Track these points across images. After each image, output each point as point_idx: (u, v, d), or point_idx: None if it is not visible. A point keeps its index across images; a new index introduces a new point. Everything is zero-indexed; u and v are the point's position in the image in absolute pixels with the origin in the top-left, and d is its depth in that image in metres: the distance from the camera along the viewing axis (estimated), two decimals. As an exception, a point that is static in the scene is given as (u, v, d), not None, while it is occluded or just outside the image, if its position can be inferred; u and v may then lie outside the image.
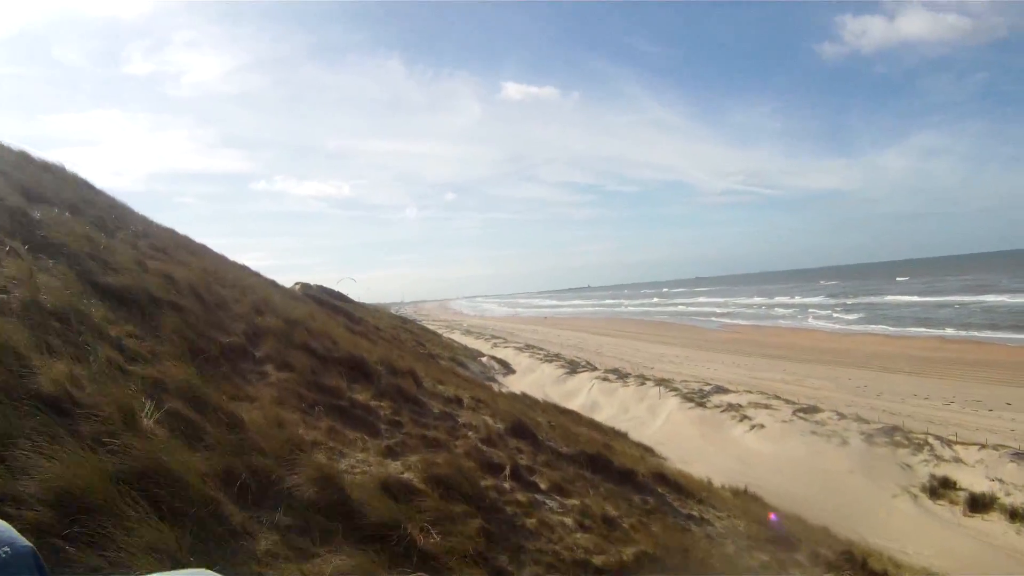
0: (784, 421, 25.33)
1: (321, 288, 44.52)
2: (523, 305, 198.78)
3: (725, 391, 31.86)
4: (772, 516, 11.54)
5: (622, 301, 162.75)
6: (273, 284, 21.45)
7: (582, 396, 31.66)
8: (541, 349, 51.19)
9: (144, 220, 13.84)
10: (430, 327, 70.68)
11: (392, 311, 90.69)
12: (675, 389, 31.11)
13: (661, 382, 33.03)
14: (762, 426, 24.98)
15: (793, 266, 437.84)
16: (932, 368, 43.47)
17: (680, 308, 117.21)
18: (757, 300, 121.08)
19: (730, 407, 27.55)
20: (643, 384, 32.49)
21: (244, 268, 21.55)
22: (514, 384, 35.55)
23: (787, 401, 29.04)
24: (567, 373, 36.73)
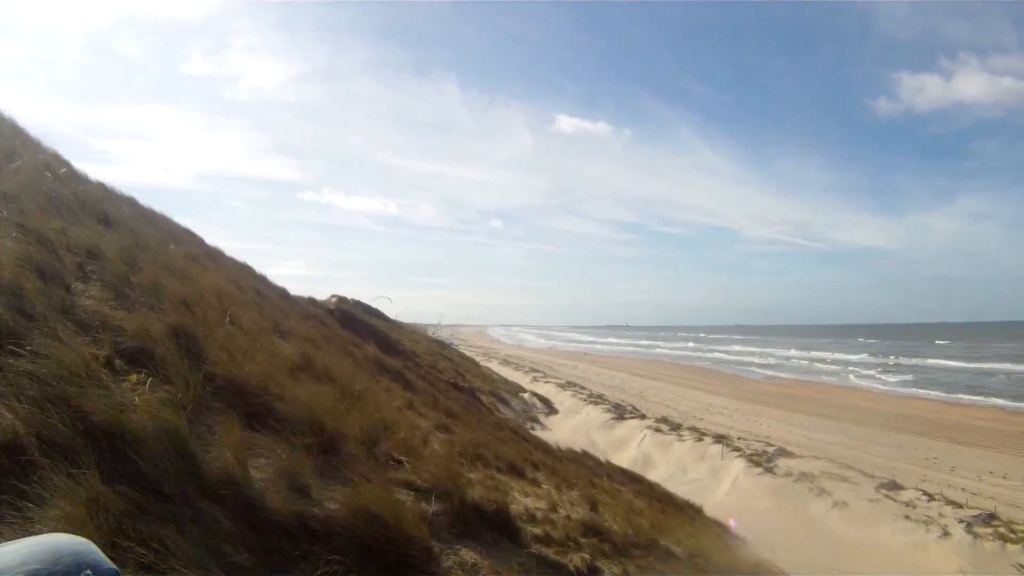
0: (870, 500, 21.82)
1: (358, 303, 41.93)
2: (560, 339, 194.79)
3: (789, 454, 28.38)
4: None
5: (659, 343, 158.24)
6: (283, 295, 17.12)
7: (633, 447, 28.40)
8: (583, 388, 47.91)
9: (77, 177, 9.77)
10: (467, 353, 67.93)
11: (429, 333, 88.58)
12: (736, 448, 27.68)
13: (719, 439, 29.61)
14: (845, 504, 21.46)
15: (832, 320, 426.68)
16: (998, 441, 39.48)
17: (719, 355, 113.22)
18: (797, 353, 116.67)
19: (803, 476, 24.04)
20: (700, 440, 29.04)
21: (232, 263, 16.23)
22: (558, 426, 32.41)
23: (864, 473, 25.48)
24: (614, 418, 33.45)
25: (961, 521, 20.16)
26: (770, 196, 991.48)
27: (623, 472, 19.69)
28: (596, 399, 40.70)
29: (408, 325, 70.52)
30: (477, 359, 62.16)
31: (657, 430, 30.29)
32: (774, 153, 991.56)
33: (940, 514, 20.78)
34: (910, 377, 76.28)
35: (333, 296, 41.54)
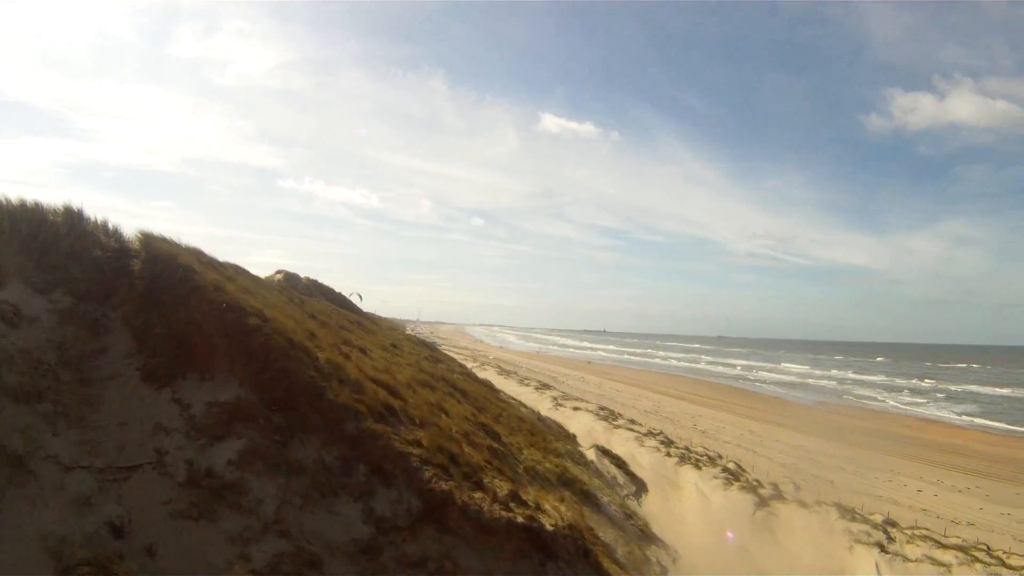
0: None
1: (313, 283, 26.70)
2: (543, 342, 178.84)
3: None
4: None
5: (658, 352, 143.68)
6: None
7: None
8: (634, 422, 32.14)
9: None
10: (451, 353, 52.00)
11: (408, 329, 73.23)
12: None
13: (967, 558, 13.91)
14: None
15: (807, 336, 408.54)
16: None
17: (723, 369, 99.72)
18: (805, 369, 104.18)
19: None
20: (947, 573, 13.19)
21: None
22: (665, 527, 16.61)
23: None
24: (756, 503, 17.59)
25: None
26: (755, 210, 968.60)
27: None
28: (673, 446, 25.01)
29: (386, 320, 55.12)
30: (463, 360, 46.14)
31: (855, 539, 14.41)
32: (761, 167, 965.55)
33: None
34: (974, 407, 62.56)
35: (278, 272, 26.46)
